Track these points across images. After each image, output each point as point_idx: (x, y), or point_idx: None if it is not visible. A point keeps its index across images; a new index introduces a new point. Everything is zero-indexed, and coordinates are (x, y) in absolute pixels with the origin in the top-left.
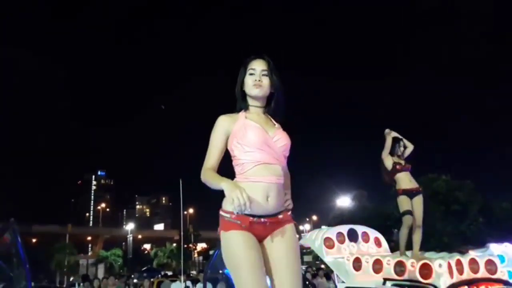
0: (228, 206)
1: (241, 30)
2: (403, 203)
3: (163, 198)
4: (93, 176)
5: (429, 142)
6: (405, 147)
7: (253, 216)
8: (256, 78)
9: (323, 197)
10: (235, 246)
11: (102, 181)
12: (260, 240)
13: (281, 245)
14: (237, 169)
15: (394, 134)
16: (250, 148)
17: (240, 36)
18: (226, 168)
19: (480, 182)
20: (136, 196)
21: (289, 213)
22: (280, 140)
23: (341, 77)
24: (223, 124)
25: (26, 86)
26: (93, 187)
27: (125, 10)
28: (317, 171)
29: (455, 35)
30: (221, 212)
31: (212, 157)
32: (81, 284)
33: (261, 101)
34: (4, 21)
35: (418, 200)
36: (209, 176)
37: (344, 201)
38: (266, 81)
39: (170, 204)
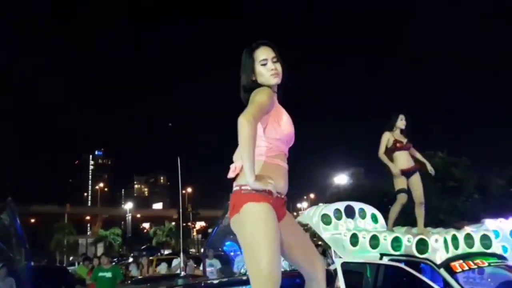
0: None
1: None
2: (399, 182)
3: (161, 178)
4: (91, 156)
5: (426, 119)
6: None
7: (278, 193)
8: (272, 67)
9: (321, 175)
10: (267, 216)
11: (100, 161)
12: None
13: (296, 228)
14: (260, 148)
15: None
16: (280, 137)
17: (238, 24)
18: None
19: (476, 159)
20: (134, 175)
21: None
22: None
23: (337, 53)
24: (271, 97)
25: (22, 66)
26: (91, 167)
27: None
28: (314, 149)
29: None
30: (245, 187)
31: (260, 114)
32: (81, 263)
33: (276, 87)
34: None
35: (416, 178)
36: (251, 150)
37: (341, 179)
38: (279, 67)
39: (168, 183)
